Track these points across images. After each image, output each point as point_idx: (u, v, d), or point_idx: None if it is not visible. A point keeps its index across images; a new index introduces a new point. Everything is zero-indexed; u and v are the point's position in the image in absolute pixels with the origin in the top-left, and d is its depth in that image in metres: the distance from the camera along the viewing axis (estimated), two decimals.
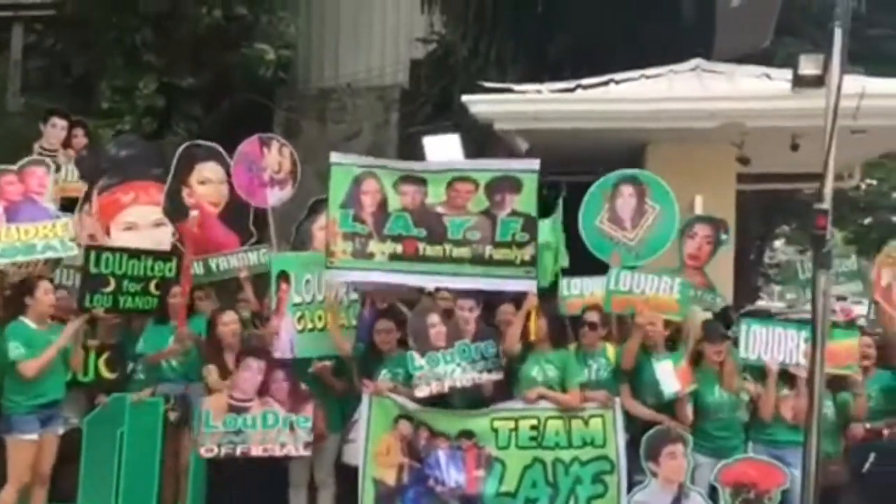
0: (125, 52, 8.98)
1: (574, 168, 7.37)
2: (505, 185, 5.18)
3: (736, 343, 5.20)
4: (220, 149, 6.40)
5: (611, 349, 5.32)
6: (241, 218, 6.35)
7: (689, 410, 5.06)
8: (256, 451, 5.11)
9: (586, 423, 5.05)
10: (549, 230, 5.61)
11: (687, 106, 6.50)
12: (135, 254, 5.83)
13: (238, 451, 5.10)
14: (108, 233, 6.20)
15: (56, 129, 7.03)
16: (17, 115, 9.78)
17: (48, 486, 5.27)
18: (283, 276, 5.43)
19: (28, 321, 5.18)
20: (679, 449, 4.99)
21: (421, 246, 5.19)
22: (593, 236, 5.73)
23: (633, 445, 5.05)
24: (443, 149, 7.81)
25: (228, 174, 6.30)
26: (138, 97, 8.85)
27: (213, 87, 9.36)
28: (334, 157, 5.28)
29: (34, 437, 5.11)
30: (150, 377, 5.68)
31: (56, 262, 6.03)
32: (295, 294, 5.39)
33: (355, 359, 5.31)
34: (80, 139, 7.25)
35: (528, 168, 5.21)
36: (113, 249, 5.83)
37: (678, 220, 5.77)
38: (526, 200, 5.14)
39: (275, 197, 6.29)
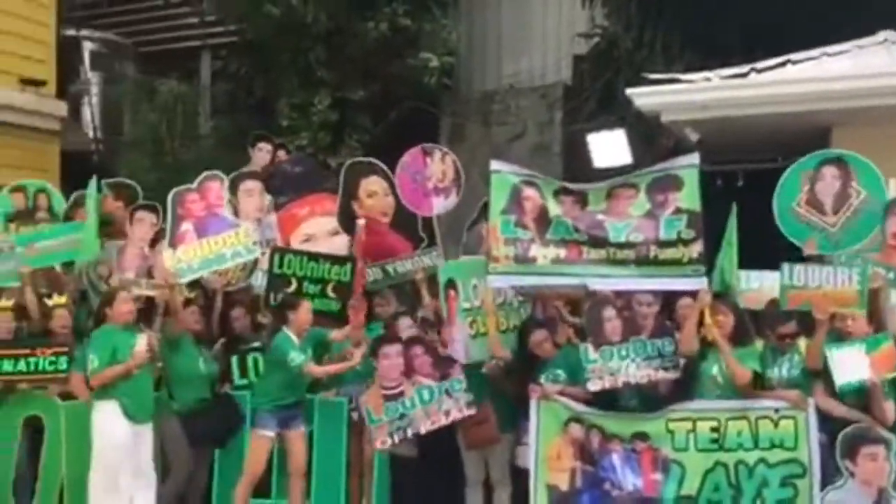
0: (300, 72, 9.48)
1: (750, 157, 7.04)
2: (666, 184, 5.09)
3: None
4: (379, 162, 6.64)
5: (804, 345, 5.01)
6: (410, 224, 6.54)
7: (889, 407, 4.69)
8: (425, 427, 5.27)
9: (776, 424, 4.83)
10: (731, 229, 5.38)
11: (877, 83, 6.06)
12: (314, 256, 6.15)
13: (409, 434, 5.27)
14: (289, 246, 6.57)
15: (262, 152, 7.45)
16: (206, 137, 10.59)
17: (304, 479, 5.64)
18: (451, 283, 5.56)
19: (290, 333, 5.57)
20: (880, 451, 4.65)
21: (584, 249, 5.18)
22: (789, 221, 5.37)
23: (829, 444, 4.75)
24: (608, 145, 7.69)
25: (391, 184, 6.51)
26: (314, 113, 9.32)
27: (381, 99, 9.69)
28: (494, 164, 5.36)
29: (271, 433, 5.53)
30: (333, 379, 5.95)
31: (249, 268, 6.43)
32: (464, 300, 5.52)
33: (515, 363, 5.34)
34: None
35: (687, 164, 5.10)
36: (295, 252, 6.21)
37: (885, 206, 5.30)
38: (689, 197, 5.03)
39: (440, 206, 6.42)
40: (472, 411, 5.25)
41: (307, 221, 6.64)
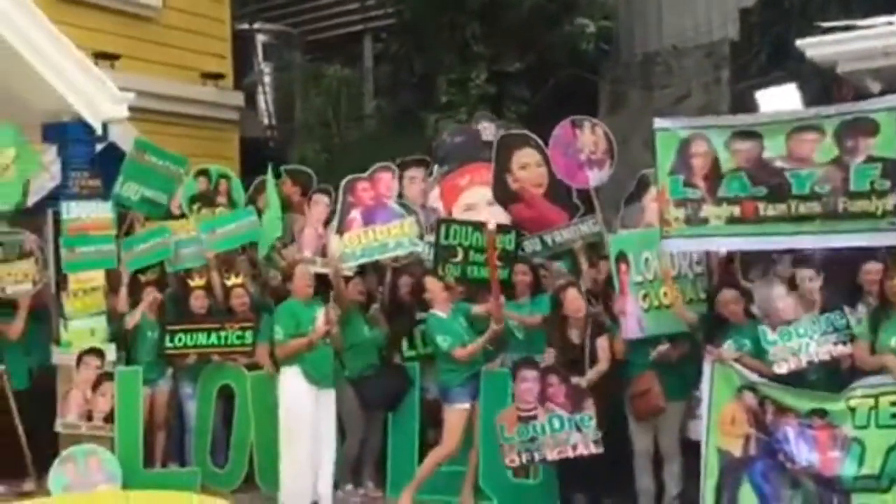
0: (457, 48, 9.56)
1: None
2: (857, 128, 4.68)
3: None
4: (532, 134, 6.64)
5: None
6: (565, 194, 6.52)
7: None
8: (552, 455, 5.32)
9: None
10: None
11: None
12: (478, 226, 6.25)
13: (536, 458, 5.34)
14: (451, 215, 6.70)
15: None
16: (370, 117, 10.95)
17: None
18: (622, 256, 5.46)
19: (437, 312, 5.79)
20: None
21: (761, 206, 4.88)
22: None
23: None
24: (779, 102, 7.26)
25: (545, 155, 6.49)
26: (472, 87, 9.39)
27: (538, 69, 9.62)
28: (658, 122, 5.19)
29: (467, 405, 5.71)
30: (497, 349, 6.03)
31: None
32: (636, 273, 5.40)
33: (700, 326, 5.19)
34: None
35: (884, 106, 4.65)
36: (461, 222, 6.35)
37: None
38: (885, 143, 4.61)
39: (594, 177, 6.34)
40: (600, 450, 5.22)
41: (468, 191, 6.76)
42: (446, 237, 6.24)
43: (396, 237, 6.42)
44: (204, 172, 7.40)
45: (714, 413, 4.99)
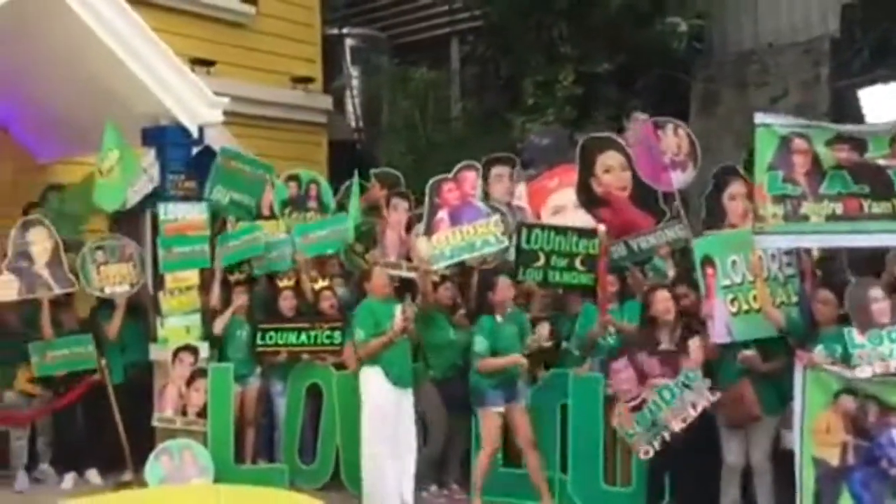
0: (544, 49, 9.49)
1: None
2: None
3: None
4: (616, 137, 6.55)
5: None
6: (650, 199, 6.40)
7: None
8: (678, 425, 5.16)
9: None
10: None
11: None
12: (561, 230, 6.20)
13: (666, 436, 5.18)
14: (539, 218, 6.66)
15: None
16: (456, 119, 10.97)
17: (536, 450, 5.80)
18: (708, 259, 5.33)
19: (493, 314, 5.76)
20: None
21: (865, 203, 4.74)
22: None
23: None
24: (884, 101, 6.96)
25: (629, 159, 6.38)
26: (558, 89, 9.30)
27: (627, 69, 9.46)
28: (759, 117, 5.05)
29: (500, 409, 5.70)
30: (586, 354, 5.95)
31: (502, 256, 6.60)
32: (723, 276, 5.27)
33: (790, 330, 5.02)
34: None
35: None
36: (542, 226, 6.30)
37: None
38: None
39: (678, 179, 6.20)
40: (717, 396, 5.07)
41: (556, 193, 6.70)
42: (528, 241, 6.19)
43: (483, 236, 6.41)
44: (294, 177, 7.60)
45: (808, 421, 4.82)
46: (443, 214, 6.55)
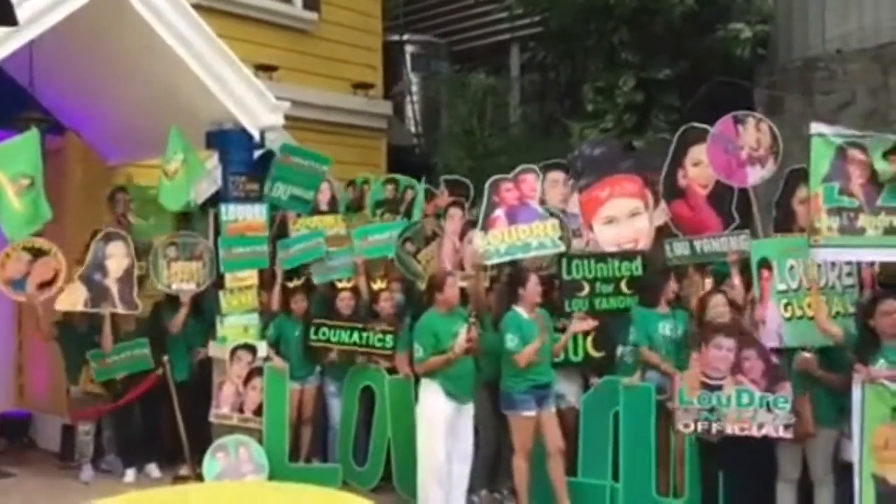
0: (604, 55, 9.42)
1: None
2: None
3: None
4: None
5: None
6: (725, 201, 6.27)
7: None
8: (732, 429, 5.03)
9: None
10: None
11: None
12: (601, 257, 6.16)
13: (713, 429, 5.07)
14: (590, 229, 6.62)
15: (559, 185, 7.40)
16: (515, 125, 10.97)
17: (564, 456, 5.78)
18: (765, 262, 5.23)
19: (521, 310, 5.76)
20: None
21: None
22: None
23: None
24: None
25: None
26: (618, 95, 9.22)
27: (689, 76, 9.33)
28: (814, 127, 4.96)
29: (532, 413, 5.68)
30: (638, 362, 5.89)
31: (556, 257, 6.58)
32: (779, 281, 5.17)
33: (847, 343, 4.89)
34: None
35: None
36: (581, 255, 6.26)
37: None
38: None
39: (755, 176, 6.05)
40: (789, 435, 4.92)
41: (608, 203, 6.64)
42: (569, 272, 6.15)
43: (538, 237, 6.39)
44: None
45: (867, 437, 4.68)
46: (500, 212, 6.54)
